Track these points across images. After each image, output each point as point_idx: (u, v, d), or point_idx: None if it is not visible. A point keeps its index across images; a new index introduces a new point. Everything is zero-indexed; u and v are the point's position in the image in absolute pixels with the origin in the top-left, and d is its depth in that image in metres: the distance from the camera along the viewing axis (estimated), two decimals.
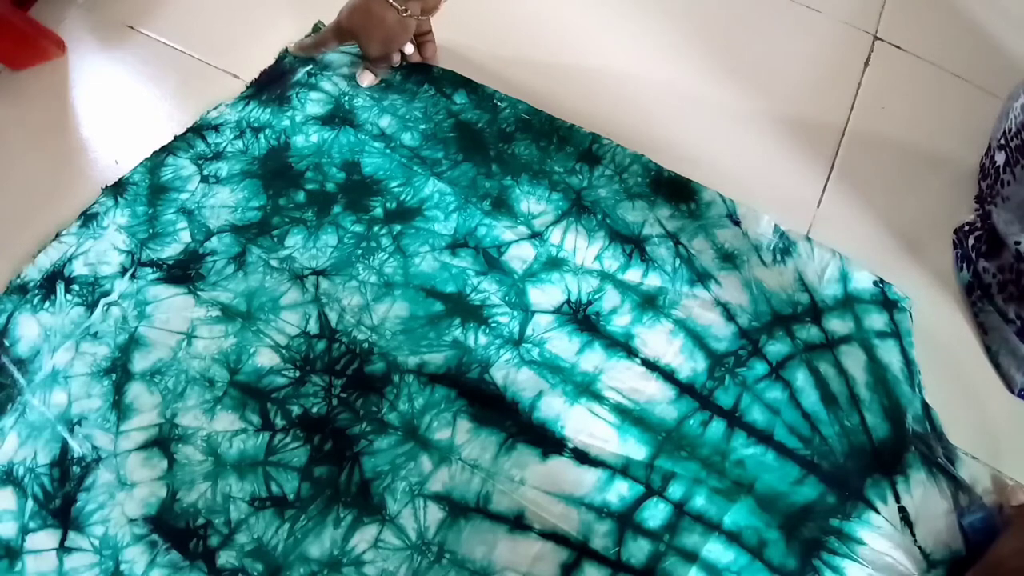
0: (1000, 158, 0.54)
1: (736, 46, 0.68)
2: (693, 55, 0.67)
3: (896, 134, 0.63)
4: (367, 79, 0.61)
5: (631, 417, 0.46)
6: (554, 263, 0.52)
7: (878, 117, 0.64)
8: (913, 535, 0.43)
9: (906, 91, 0.65)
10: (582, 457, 0.45)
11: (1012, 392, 0.50)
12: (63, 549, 0.41)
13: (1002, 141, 0.54)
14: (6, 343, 0.48)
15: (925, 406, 0.48)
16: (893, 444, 0.46)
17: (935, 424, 0.47)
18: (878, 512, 0.44)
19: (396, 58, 0.62)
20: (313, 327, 0.49)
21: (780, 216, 0.55)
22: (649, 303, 0.51)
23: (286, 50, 0.64)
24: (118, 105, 0.62)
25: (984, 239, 0.53)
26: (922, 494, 0.44)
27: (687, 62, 0.67)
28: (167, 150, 0.57)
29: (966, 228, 0.55)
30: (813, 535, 0.43)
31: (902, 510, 0.44)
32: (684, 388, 0.47)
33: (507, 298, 0.50)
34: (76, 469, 0.44)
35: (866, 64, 0.67)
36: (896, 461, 0.45)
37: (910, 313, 0.51)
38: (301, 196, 0.55)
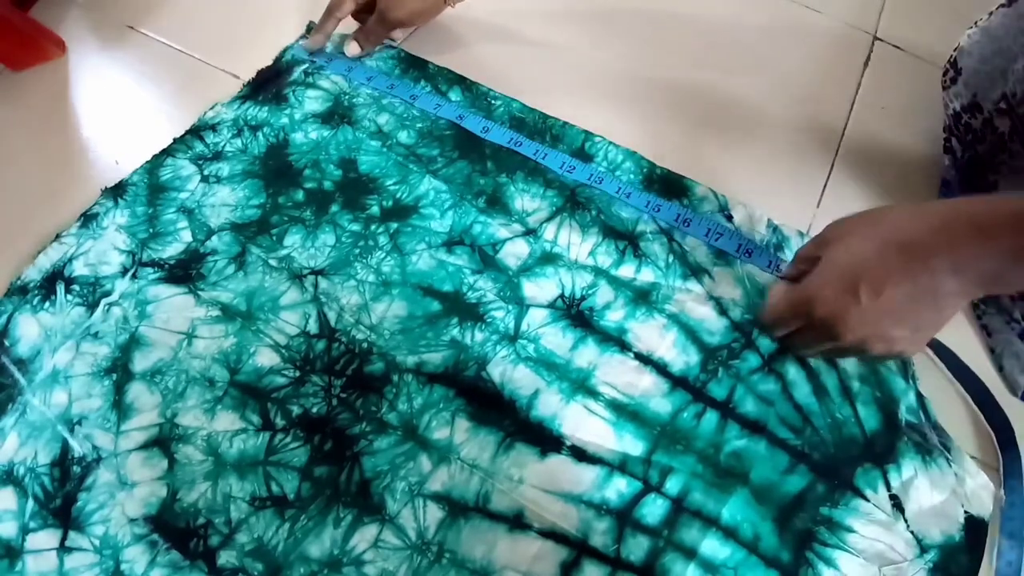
0: (1003, 124, 0.50)
1: (736, 46, 0.68)
2: (692, 55, 0.67)
3: (896, 134, 0.63)
4: (353, 49, 0.62)
5: (626, 412, 0.46)
6: (548, 259, 0.52)
7: (878, 117, 0.64)
8: (906, 521, 0.43)
9: (906, 91, 0.65)
10: (580, 454, 0.45)
11: (1015, 395, 0.50)
12: (63, 549, 0.41)
13: (1003, 105, 0.50)
14: (6, 343, 0.48)
15: (919, 396, 0.48)
16: (885, 434, 0.46)
17: (929, 414, 0.47)
18: (867, 499, 0.44)
19: (398, 36, 0.64)
20: (312, 327, 0.49)
21: (780, 216, 0.55)
22: (642, 298, 0.51)
23: (284, 50, 0.64)
24: (118, 105, 0.62)
25: None
26: (914, 481, 0.44)
27: (686, 62, 0.67)
28: (166, 153, 0.57)
29: None
30: (805, 526, 0.43)
31: (893, 497, 0.44)
32: (677, 381, 0.47)
33: (502, 293, 0.51)
34: (76, 469, 0.44)
35: (866, 64, 0.67)
36: (888, 451, 0.45)
37: None
38: (300, 194, 0.55)
